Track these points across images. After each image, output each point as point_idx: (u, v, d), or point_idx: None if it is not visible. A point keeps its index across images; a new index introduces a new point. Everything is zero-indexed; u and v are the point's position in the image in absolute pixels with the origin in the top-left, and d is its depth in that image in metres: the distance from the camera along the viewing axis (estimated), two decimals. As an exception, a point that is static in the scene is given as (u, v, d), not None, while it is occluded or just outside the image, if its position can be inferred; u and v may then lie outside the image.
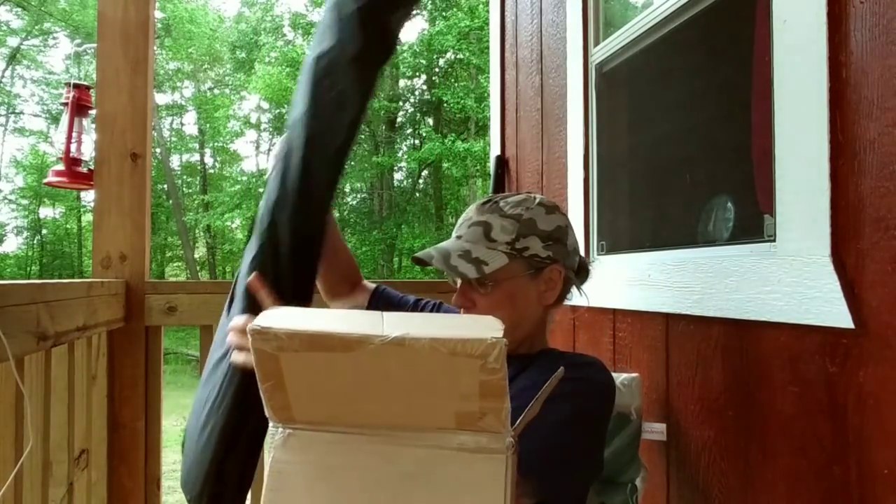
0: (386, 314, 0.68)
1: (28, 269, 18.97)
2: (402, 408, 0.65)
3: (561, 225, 1.12)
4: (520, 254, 1.07)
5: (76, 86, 1.93)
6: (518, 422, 0.66)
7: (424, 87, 17.74)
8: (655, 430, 1.33)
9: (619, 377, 1.31)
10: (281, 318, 0.65)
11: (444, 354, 0.61)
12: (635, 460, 1.30)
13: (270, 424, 0.68)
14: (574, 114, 1.84)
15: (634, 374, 1.34)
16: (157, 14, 13.13)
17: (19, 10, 17.58)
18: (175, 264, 20.59)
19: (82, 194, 16.07)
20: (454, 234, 1.12)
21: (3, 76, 18.38)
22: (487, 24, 2.79)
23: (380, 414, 0.65)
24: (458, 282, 1.11)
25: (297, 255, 0.99)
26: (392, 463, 0.65)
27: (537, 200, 1.12)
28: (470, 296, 1.09)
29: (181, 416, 8.59)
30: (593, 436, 1.01)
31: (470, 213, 1.12)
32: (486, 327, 0.63)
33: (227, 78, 19.82)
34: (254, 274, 0.96)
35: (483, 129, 15.38)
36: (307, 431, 0.67)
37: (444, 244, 1.10)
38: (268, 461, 0.67)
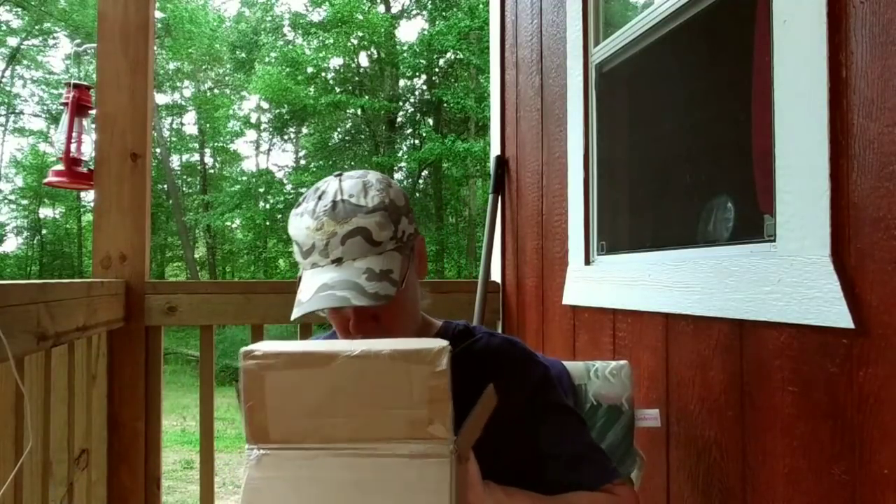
0: (355, 341, 0.79)
1: (28, 269, 18.96)
2: (363, 420, 0.74)
3: (402, 191, 1.03)
4: (403, 242, 0.97)
5: (76, 86, 1.93)
6: (461, 433, 0.75)
7: (424, 87, 17.73)
8: (649, 417, 1.27)
9: (608, 365, 1.27)
10: (268, 344, 0.78)
11: (401, 363, 0.73)
12: (630, 452, 1.27)
13: (247, 447, 0.76)
14: (574, 114, 1.84)
15: (623, 362, 1.28)
16: (157, 14, 13.12)
17: (19, 10, 17.58)
18: (175, 264, 20.58)
19: (82, 194, 16.08)
20: (328, 260, 0.93)
21: (3, 76, 18.38)
22: (487, 24, 2.79)
23: (344, 427, 0.75)
24: (334, 310, 0.96)
25: None
26: (352, 472, 0.74)
27: (375, 179, 0.99)
28: (367, 316, 0.96)
29: (181, 416, 8.59)
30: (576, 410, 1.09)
31: (327, 227, 0.93)
32: (431, 341, 0.74)
33: (227, 78, 19.81)
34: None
35: (483, 129, 15.38)
36: (280, 450, 0.76)
37: (331, 277, 0.92)
38: (244, 480, 0.75)
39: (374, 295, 0.90)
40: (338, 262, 0.93)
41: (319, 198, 0.96)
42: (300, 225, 0.96)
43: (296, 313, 0.93)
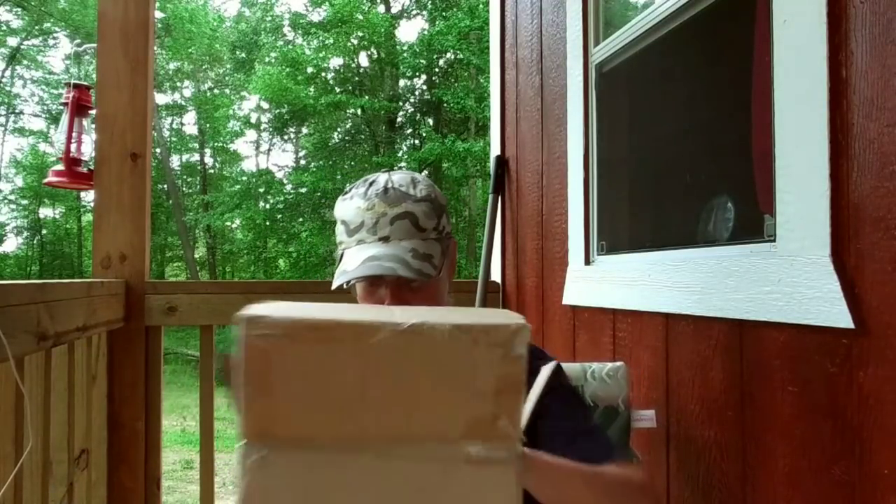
0: (396, 309, 0.66)
1: (28, 269, 18.97)
2: (403, 414, 0.57)
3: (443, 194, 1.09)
4: (441, 236, 1.03)
5: (76, 86, 1.93)
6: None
7: (424, 87, 17.73)
8: (645, 418, 1.28)
9: (605, 367, 1.27)
10: (277, 307, 0.57)
11: (464, 343, 0.55)
12: (626, 451, 1.28)
13: (243, 443, 0.58)
14: (574, 114, 1.84)
15: (620, 363, 1.29)
16: (157, 14, 13.12)
17: (19, 10, 17.58)
18: (175, 264, 20.58)
19: (82, 194, 16.08)
20: (375, 237, 0.97)
21: (3, 76, 18.38)
22: (487, 24, 2.79)
23: (377, 424, 0.57)
24: (368, 284, 1.00)
25: None
26: (389, 481, 0.57)
27: (421, 177, 1.05)
28: (402, 297, 0.99)
29: (181, 416, 8.59)
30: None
31: (378, 208, 0.98)
32: (504, 315, 0.58)
33: (227, 78, 19.81)
34: None
35: (483, 129, 15.38)
36: (289, 451, 0.57)
37: (378, 251, 0.96)
38: (239, 487, 0.58)
39: (418, 271, 0.94)
40: (385, 239, 0.97)
41: (370, 184, 1.02)
42: (349, 206, 1.01)
43: (339, 280, 0.96)
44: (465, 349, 0.56)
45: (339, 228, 1.03)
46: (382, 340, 0.55)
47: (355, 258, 0.96)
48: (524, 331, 0.56)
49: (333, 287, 0.97)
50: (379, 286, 0.99)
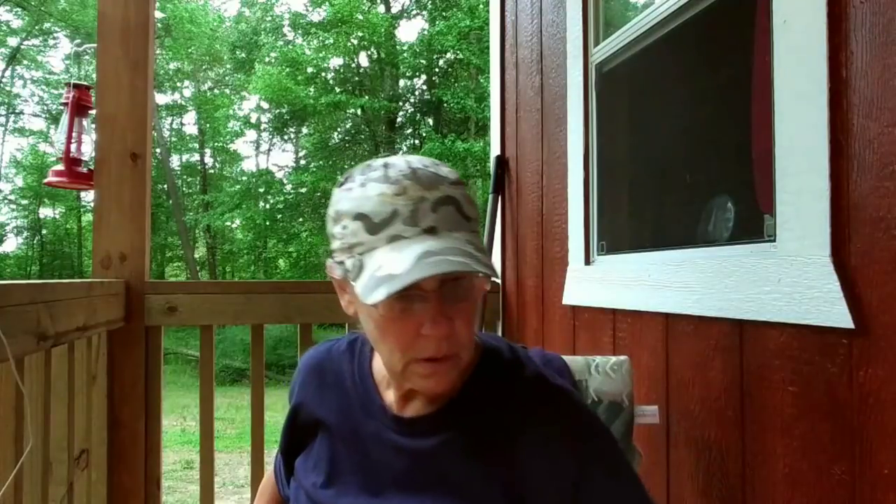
0: None
1: (28, 269, 18.97)
2: None
3: None
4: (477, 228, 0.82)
5: (76, 86, 1.93)
6: None
7: (424, 87, 17.74)
8: (648, 414, 1.26)
9: (609, 361, 1.24)
10: None
11: None
12: (629, 449, 1.28)
13: None
14: (574, 114, 1.84)
15: (624, 357, 1.24)
16: (157, 14, 13.12)
17: (19, 10, 17.58)
18: (175, 264, 20.59)
19: (82, 194, 16.08)
20: (417, 229, 0.74)
21: (3, 76, 18.38)
22: (487, 24, 2.79)
23: None
24: (397, 301, 0.74)
25: None
26: None
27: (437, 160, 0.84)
28: (446, 312, 0.76)
29: (181, 416, 8.59)
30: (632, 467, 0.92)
31: (412, 192, 0.75)
32: None
33: (227, 78, 19.82)
34: None
35: (483, 129, 15.38)
36: None
37: (431, 245, 0.73)
38: None
39: (489, 266, 0.74)
40: (431, 231, 0.74)
41: (385, 167, 0.78)
42: (367, 194, 0.76)
43: (391, 287, 0.70)
44: None
45: (353, 227, 0.76)
46: None
47: (396, 259, 0.72)
48: None
49: (378, 299, 0.71)
50: (415, 300, 0.75)
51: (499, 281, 2.39)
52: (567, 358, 1.24)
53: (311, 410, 0.95)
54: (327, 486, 0.89)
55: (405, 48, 17.06)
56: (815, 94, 0.97)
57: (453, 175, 0.80)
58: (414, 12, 18.04)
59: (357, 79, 17.83)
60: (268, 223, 17.44)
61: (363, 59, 18.12)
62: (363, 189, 0.77)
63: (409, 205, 0.74)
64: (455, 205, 0.76)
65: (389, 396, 0.89)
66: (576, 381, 1.22)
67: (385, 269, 0.72)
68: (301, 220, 17.19)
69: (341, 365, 0.96)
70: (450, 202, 0.76)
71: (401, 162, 0.78)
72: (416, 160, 0.79)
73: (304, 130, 18.92)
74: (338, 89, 17.18)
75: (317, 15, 17.61)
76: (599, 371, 1.24)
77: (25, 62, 18.49)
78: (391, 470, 0.85)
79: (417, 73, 17.53)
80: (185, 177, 20.11)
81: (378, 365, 0.91)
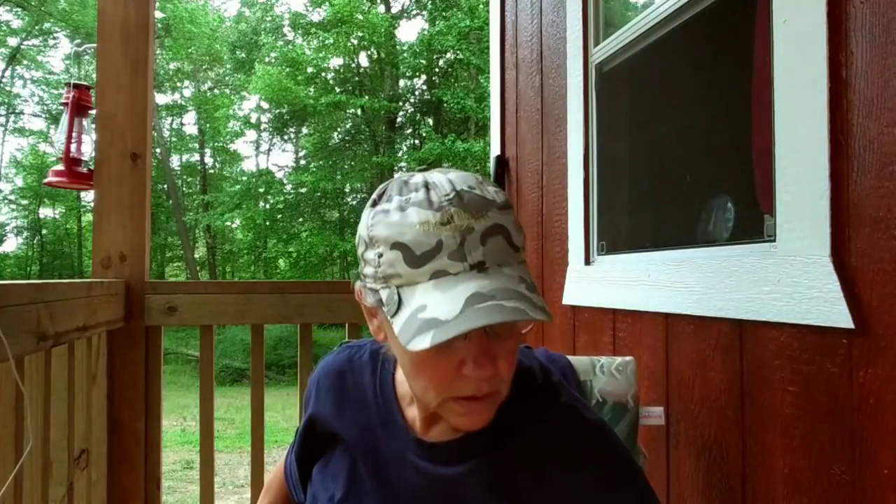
0: None
1: (28, 269, 18.97)
2: None
3: None
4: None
5: (76, 86, 1.93)
6: None
7: (424, 87, 17.74)
8: (653, 415, 1.25)
9: (614, 361, 1.23)
10: None
11: None
12: (634, 449, 1.27)
13: None
14: (574, 114, 1.84)
15: (629, 358, 1.23)
16: (157, 14, 13.12)
17: (19, 10, 17.58)
18: (175, 264, 20.60)
19: (82, 194, 16.09)
20: (464, 265, 0.68)
21: (3, 76, 18.38)
22: (487, 24, 2.79)
23: None
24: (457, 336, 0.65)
25: None
26: None
27: (479, 175, 0.76)
28: (491, 351, 0.71)
29: (181, 416, 8.59)
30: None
31: (458, 221, 0.68)
32: None
33: (227, 78, 19.83)
34: None
35: (483, 129, 15.38)
36: None
37: (481, 285, 0.67)
38: None
39: (544, 309, 0.68)
40: (479, 266, 0.68)
41: (427, 188, 0.71)
42: (407, 220, 0.69)
43: (438, 336, 0.64)
44: None
45: (391, 256, 0.70)
46: None
47: (443, 299, 0.66)
48: None
49: (422, 347, 0.64)
50: (456, 338, 0.65)
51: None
52: (572, 358, 1.24)
53: (329, 423, 0.91)
54: (345, 503, 0.86)
55: (405, 48, 17.07)
56: (815, 94, 0.97)
57: (501, 197, 0.72)
58: (414, 12, 18.05)
59: (357, 79, 17.84)
60: (268, 223, 17.46)
61: (363, 59, 18.14)
62: (403, 214, 0.70)
63: (455, 236, 0.68)
64: (504, 234, 0.70)
65: (412, 413, 0.85)
66: (580, 382, 1.21)
67: (430, 311, 0.66)
68: (301, 220, 17.20)
69: (363, 377, 0.91)
70: (499, 231, 0.70)
71: (443, 181, 0.71)
72: (460, 179, 0.72)
73: (304, 130, 18.93)
74: (338, 89, 17.19)
75: (317, 15, 17.62)
76: (604, 371, 1.24)
77: (25, 62, 18.50)
78: (411, 492, 0.83)
79: (417, 73, 17.54)
80: (185, 177, 20.12)
81: (401, 379, 0.87)
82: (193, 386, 9.71)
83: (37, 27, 18.15)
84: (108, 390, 1.83)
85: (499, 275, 0.68)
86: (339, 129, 18.35)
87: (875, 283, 0.88)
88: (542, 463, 0.80)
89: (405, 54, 16.93)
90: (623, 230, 1.73)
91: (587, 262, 1.77)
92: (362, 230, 0.75)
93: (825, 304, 0.94)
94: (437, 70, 17.34)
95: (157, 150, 17.41)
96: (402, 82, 17.94)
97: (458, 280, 0.67)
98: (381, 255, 0.71)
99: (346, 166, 17.48)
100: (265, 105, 18.65)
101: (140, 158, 1.91)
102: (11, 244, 19.64)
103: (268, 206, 17.68)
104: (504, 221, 0.70)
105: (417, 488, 0.83)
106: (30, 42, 18.43)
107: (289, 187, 17.86)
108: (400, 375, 0.88)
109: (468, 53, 15.26)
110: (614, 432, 0.90)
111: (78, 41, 17.09)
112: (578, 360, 1.23)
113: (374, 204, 0.74)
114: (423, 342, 0.65)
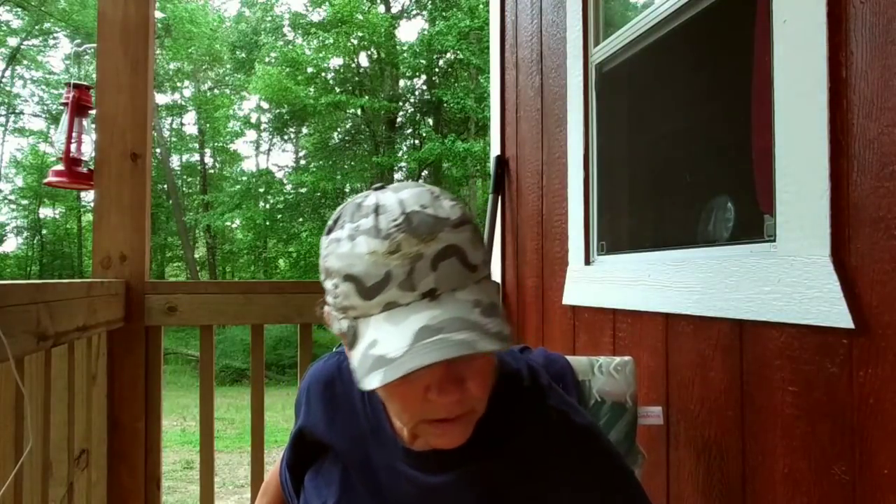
0: None
1: (28, 269, 18.97)
2: None
3: None
4: (489, 269, 0.75)
5: (76, 86, 1.93)
6: None
7: (424, 87, 17.74)
8: (652, 415, 1.25)
9: (613, 361, 1.24)
10: None
11: None
12: (633, 450, 1.27)
13: None
14: (574, 114, 1.84)
15: (628, 358, 1.24)
16: (157, 14, 13.13)
17: (19, 10, 17.58)
18: (175, 264, 20.60)
19: (82, 194, 16.09)
20: (415, 294, 0.66)
21: (3, 76, 18.39)
22: (487, 24, 2.79)
23: None
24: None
25: None
26: None
27: (435, 188, 0.74)
28: (457, 375, 0.69)
29: (181, 416, 8.59)
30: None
31: (406, 248, 0.66)
32: None
33: (227, 78, 19.83)
34: None
35: (483, 129, 15.38)
36: None
37: (431, 316, 0.65)
38: None
39: (499, 335, 0.65)
40: (431, 294, 0.66)
41: (376, 213, 0.69)
42: (355, 251, 0.68)
43: (387, 375, 0.63)
44: None
45: (345, 289, 0.69)
46: None
47: (393, 334, 0.65)
48: None
49: (373, 387, 0.64)
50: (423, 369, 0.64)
51: (499, 282, 2.39)
52: (571, 358, 1.24)
53: (320, 434, 0.91)
54: None
55: (405, 48, 17.07)
56: (815, 94, 0.97)
57: (456, 213, 0.70)
58: (414, 12, 18.05)
59: (357, 79, 17.84)
60: (268, 223, 17.46)
61: (363, 59, 18.14)
62: (352, 244, 0.68)
63: (404, 265, 0.66)
64: (459, 255, 0.68)
65: (399, 423, 0.85)
66: (579, 382, 1.21)
67: (380, 347, 0.65)
68: (301, 220, 17.20)
69: (352, 385, 0.87)
70: (452, 253, 0.67)
71: (393, 204, 0.69)
72: (412, 198, 0.69)
73: (304, 130, 18.94)
74: (338, 89, 17.19)
75: (317, 15, 17.63)
76: (603, 371, 1.24)
77: (25, 62, 18.50)
78: (402, 500, 0.83)
79: (417, 73, 17.54)
80: (185, 177, 20.12)
81: None
82: (193, 386, 9.71)
83: (37, 27, 18.15)
84: (108, 390, 1.83)
85: (451, 302, 0.66)
86: (339, 129, 18.35)
87: (875, 283, 0.88)
88: (532, 469, 0.80)
89: (405, 54, 16.93)
90: (623, 230, 1.73)
91: (587, 262, 1.77)
92: (320, 259, 0.74)
93: (825, 304, 0.94)
94: (437, 70, 17.34)
95: (157, 150, 17.41)
96: (402, 82, 17.94)
97: (409, 311, 0.66)
98: (336, 287, 0.70)
99: (346, 166, 17.49)
100: (265, 105, 18.65)
101: (140, 158, 1.91)
102: (11, 244, 19.67)
103: (268, 206, 17.68)
104: (458, 241, 0.68)
105: (408, 497, 0.83)
106: (30, 42, 18.43)
107: (289, 187, 17.86)
108: None
109: (468, 53, 15.26)
110: (605, 436, 0.89)
111: (78, 41, 17.09)
112: (577, 360, 1.23)
113: (329, 231, 0.73)
114: (374, 381, 0.64)
